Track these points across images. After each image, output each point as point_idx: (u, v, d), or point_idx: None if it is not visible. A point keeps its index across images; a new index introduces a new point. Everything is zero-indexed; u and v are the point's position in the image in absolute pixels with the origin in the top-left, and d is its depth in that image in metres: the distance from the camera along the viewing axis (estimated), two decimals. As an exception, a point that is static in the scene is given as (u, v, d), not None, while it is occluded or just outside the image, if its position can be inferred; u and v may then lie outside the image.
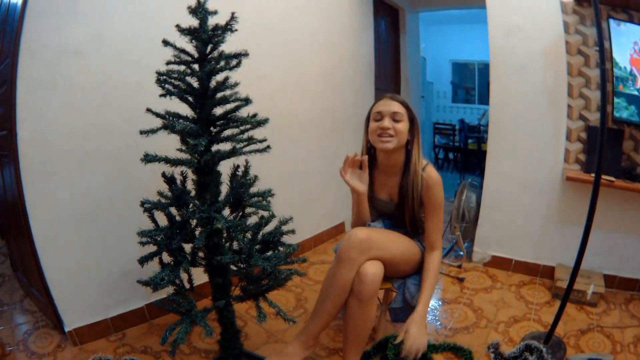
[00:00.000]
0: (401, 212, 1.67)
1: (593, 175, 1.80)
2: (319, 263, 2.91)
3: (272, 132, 2.54)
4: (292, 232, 1.61)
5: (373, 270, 1.47)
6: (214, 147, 1.44)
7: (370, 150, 1.72)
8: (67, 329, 1.88)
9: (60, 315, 1.87)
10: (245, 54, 1.37)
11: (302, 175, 2.97)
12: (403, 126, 1.59)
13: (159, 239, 1.37)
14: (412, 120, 1.63)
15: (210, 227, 1.28)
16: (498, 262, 2.79)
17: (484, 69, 6.90)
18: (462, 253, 2.90)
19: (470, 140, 5.64)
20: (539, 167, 2.53)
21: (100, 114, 1.82)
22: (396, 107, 1.59)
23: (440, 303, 2.38)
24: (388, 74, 3.98)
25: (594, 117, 2.33)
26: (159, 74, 1.37)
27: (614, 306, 2.28)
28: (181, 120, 1.34)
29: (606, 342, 1.95)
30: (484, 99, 6.92)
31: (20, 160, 1.65)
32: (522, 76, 2.48)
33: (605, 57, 1.69)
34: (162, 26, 1.54)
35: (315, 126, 3.03)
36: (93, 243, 1.90)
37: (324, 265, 2.85)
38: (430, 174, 1.62)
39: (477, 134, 5.61)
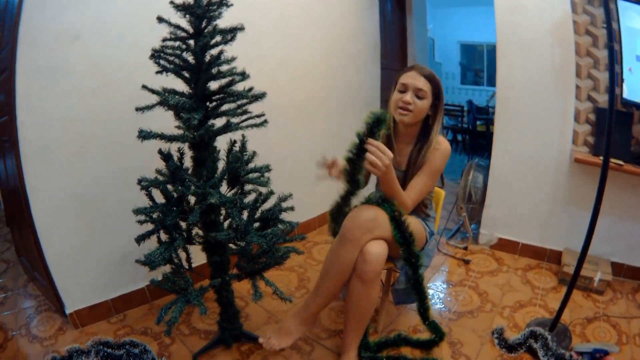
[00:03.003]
0: (405, 177, 1.65)
1: (601, 157, 1.74)
2: (323, 243, 2.89)
3: (274, 111, 2.50)
4: (291, 209, 1.59)
5: (377, 249, 1.43)
6: (210, 122, 1.40)
7: (394, 117, 1.69)
8: (67, 311, 1.89)
9: (62, 298, 1.88)
10: (241, 28, 1.34)
11: (306, 155, 2.92)
12: (424, 104, 1.57)
13: (154, 216, 1.34)
14: (437, 95, 1.60)
15: (205, 203, 1.25)
16: (505, 245, 2.74)
17: (493, 50, 6.75)
18: (468, 235, 2.85)
19: (478, 122, 5.54)
20: (547, 148, 2.47)
21: (100, 96, 1.80)
22: (421, 83, 1.56)
23: (445, 286, 2.35)
24: (395, 53, 3.90)
25: (603, 99, 2.27)
26: (154, 50, 1.34)
27: (620, 295, 2.23)
28: (176, 96, 1.31)
29: (612, 332, 1.91)
30: (493, 80, 6.79)
31: (20, 146, 1.64)
32: (529, 55, 2.41)
33: (613, 36, 1.62)
34: (162, 4, 1.49)
35: (319, 105, 2.98)
36: (94, 225, 1.89)
37: (328, 245, 2.80)
38: (440, 140, 1.62)
39: (485, 115, 5.51)
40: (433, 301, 2.16)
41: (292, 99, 2.73)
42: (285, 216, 1.58)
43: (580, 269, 1.69)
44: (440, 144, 1.61)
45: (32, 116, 1.64)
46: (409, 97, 1.55)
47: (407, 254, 1.48)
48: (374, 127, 1.25)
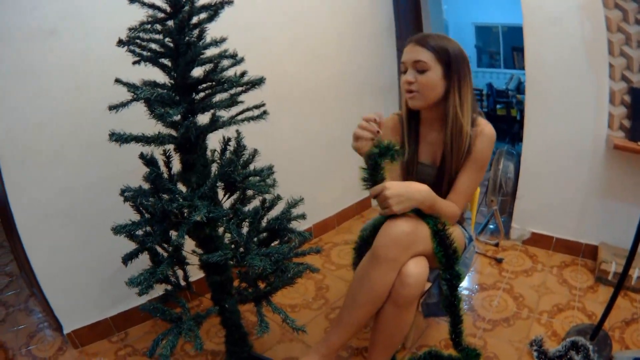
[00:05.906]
0: (440, 177, 1.38)
1: (640, 143, 1.64)
2: (342, 244, 2.66)
3: (281, 100, 2.28)
4: (303, 217, 1.36)
5: (418, 270, 1.19)
6: (200, 118, 1.17)
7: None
8: (65, 331, 1.77)
9: (58, 318, 1.76)
10: (229, 1, 1.09)
11: (320, 147, 2.69)
12: (429, 78, 1.29)
13: (139, 233, 1.14)
14: (447, 63, 1.29)
15: (190, 220, 1.01)
16: (538, 240, 2.51)
17: (508, 32, 6.49)
18: (499, 229, 2.61)
19: (498, 106, 5.27)
20: (582, 134, 2.22)
21: (80, 97, 1.62)
22: (420, 54, 1.29)
23: (477, 288, 2.14)
24: (410, 35, 3.66)
25: (638, 78, 2.03)
26: (128, 35, 1.11)
27: (657, 293, 2.04)
28: (154, 88, 1.08)
29: (650, 335, 1.74)
30: (509, 63, 6.54)
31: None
32: (558, 31, 2.16)
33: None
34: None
35: (332, 91, 2.72)
36: (84, 238, 1.74)
37: (349, 247, 2.60)
38: (481, 124, 1.34)
39: (505, 98, 5.23)
40: (465, 307, 1.96)
41: (302, 86, 2.48)
42: (296, 224, 1.35)
43: (626, 274, 1.53)
44: (481, 127, 1.33)
45: (5, 126, 1.49)
46: (409, 75, 1.31)
47: (447, 274, 1.24)
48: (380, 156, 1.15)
